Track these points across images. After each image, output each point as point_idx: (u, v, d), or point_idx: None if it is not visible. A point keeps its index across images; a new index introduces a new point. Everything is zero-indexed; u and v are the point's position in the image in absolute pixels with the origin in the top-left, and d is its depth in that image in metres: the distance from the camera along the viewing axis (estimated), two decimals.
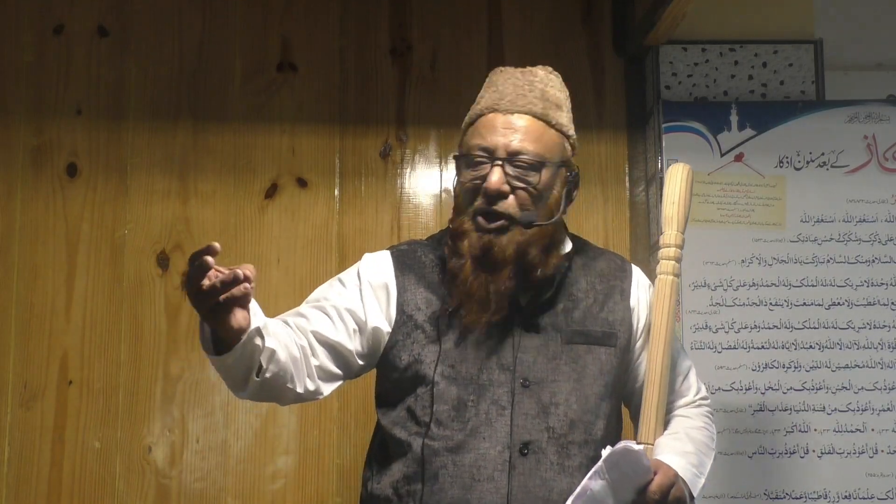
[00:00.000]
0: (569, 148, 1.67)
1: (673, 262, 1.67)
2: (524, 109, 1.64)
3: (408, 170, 2.42)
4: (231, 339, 1.42)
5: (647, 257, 2.33)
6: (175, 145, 2.39)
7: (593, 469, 1.48)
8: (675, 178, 1.72)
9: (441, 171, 2.42)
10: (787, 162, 2.26)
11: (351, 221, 2.38)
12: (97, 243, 2.34)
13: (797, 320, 2.21)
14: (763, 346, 2.20)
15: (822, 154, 2.27)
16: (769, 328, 2.20)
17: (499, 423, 1.56)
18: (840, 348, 2.20)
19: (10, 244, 2.33)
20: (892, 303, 2.22)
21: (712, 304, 2.21)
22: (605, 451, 1.49)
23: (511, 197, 1.59)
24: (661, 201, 2.24)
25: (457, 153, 1.67)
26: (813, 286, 2.22)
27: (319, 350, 1.61)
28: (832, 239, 2.24)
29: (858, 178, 2.26)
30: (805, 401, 2.19)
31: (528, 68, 1.72)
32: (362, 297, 1.65)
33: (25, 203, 2.35)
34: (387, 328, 1.63)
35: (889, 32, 2.42)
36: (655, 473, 1.52)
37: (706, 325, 2.20)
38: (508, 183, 1.58)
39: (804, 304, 2.21)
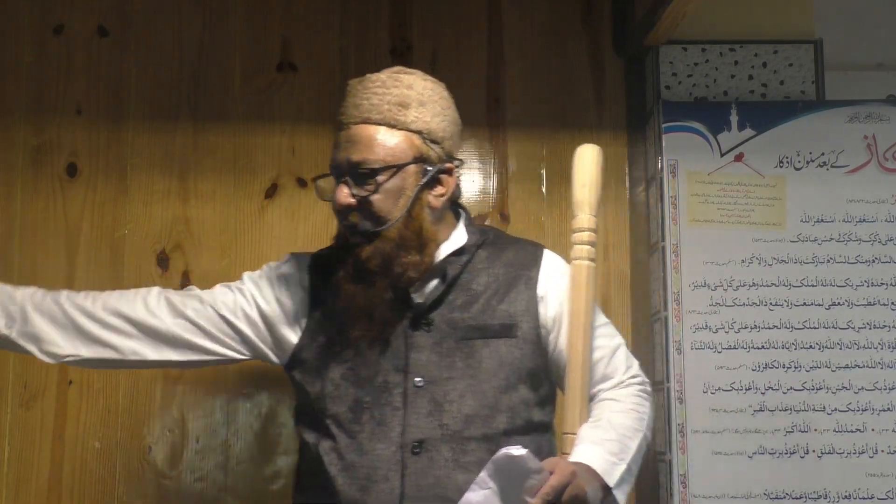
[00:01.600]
0: (425, 144, 1.65)
1: (587, 247, 1.64)
2: (360, 119, 1.66)
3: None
4: None
5: (647, 257, 2.33)
6: (175, 145, 2.39)
7: (476, 480, 1.44)
8: (585, 160, 1.70)
9: None
10: (787, 162, 2.26)
11: None
12: (97, 243, 2.34)
13: (797, 320, 2.21)
14: (763, 346, 2.20)
15: (822, 154, 2.27)
16: (769, 328, 2.20)
17: (392, 424, 1.59)
18: (840, 348, 2.20)
19: (10, 244, 2.33)
20: (892, 303, 2.22)
21: (712, 304, 2.21)
22: (494, 459, 1.43)
23: (357, 210, 1.62)
24: (660, 201, 2.24)
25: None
26: (813, 286, 2.22)
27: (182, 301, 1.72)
28: (832, 239, 2.24)
29: (858, 178, 2.26)
30: (805, 401, 2.19)
31: (371, 75, 1.72)
32: (274, 294, 1.73)
33: (25, 203, 2.35)
34: (297, 330, 1.70)
35: (889, 32, 2.42)
36: (552, 473, 1.45)
37: (706, 325, 2.20)
38: (354, 196, 1.61)
39: (804, 304, 2.21)
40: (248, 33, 2.43)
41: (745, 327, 2.20)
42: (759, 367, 2.19)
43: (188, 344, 1.71)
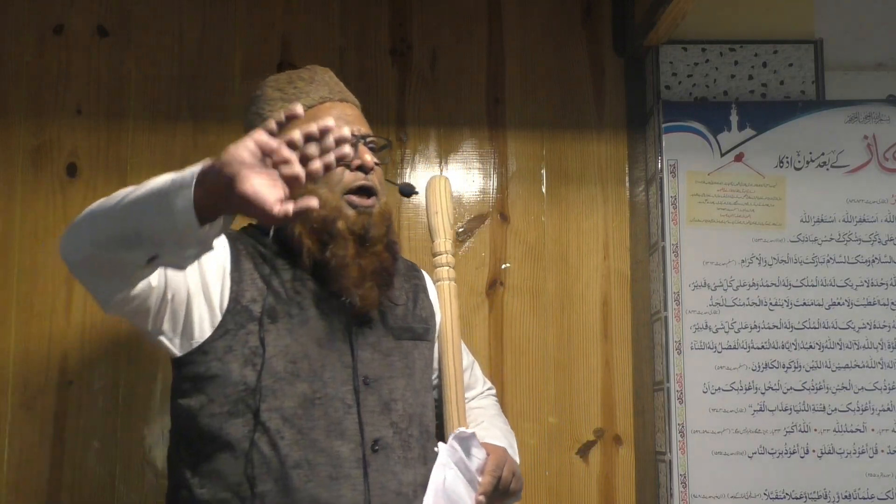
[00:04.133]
0: None
1: (447, 268, 1.77)
2: (339, 98, 1.73)
3: (408, 170, 2.42)
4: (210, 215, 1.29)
5: (647, 257, 2.33)
6: (175, 145, 2.38)
7: (439, 462, 1.57)
8: (436, 191, 1.81)
9: (441, 171, 2.42)
10: (787, 162, 2.26)
11: None
12: None
13: (797, 320, 2.21)
14: (763, 346, 2.20)
15: (822, 154, 2.27)
16: (769, 328, 2.20)
17: (347, 421, 1.56)
18: (840, 348, 2.20)
19: (10, 244, 2.33)
20: (892, 303, 2.22)
21: (712, 304, 2.21)
22: (443, 444, 1.59)
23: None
24: (660, 201, 2.24)
25: None
26: (813, 286, 2.22)
27: None
28: (832, 239, 2.24)
29: (858, 178, 2.26)
30: (805, 401, 2.19)
31: (315, 66, 1.80)
32: (200, 272, 1.58)
33: (25, 203, 2.35)
34: (216, 314, 1.57)
35: (889, 32, 2.41)
36: (488, 455, 1.64)
37: (706, 325, 2.20)
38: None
39: (804, 304, 2.21)
40: (248, 33, 2.43)
41: (745, 327, 2.20)
42: (759, 367, 2.19)
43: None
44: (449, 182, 1.83)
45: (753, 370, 2.19)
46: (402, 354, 1.67)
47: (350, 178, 1.63)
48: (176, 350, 1.59)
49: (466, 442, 1.60)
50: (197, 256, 1.40)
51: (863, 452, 2.17)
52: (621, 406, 2.36)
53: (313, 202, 1.25)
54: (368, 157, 1.64)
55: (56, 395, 2.29)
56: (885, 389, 2.19)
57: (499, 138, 2.44)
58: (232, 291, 1.58)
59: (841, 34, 2.38)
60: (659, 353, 2.25)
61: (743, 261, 2.22)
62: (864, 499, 2.15)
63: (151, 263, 1.39)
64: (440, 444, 1.61)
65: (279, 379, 1.54)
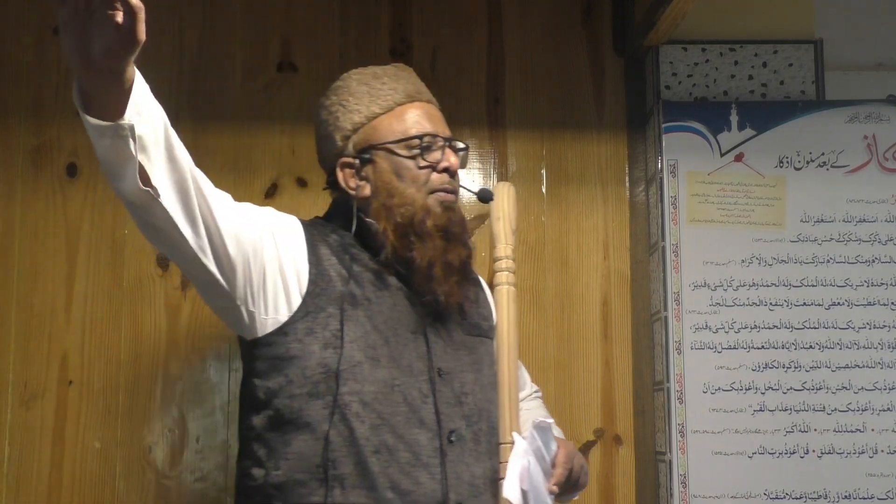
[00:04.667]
0: None
1: (507, 273, 1.76)
2: (426, 98, 1.76)
3: None
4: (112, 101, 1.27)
5: (647, 257, 2.33)
6: None
7: (521, 449, 1.60)
8: (500, 197, 1.82)
9: None
10: (787, 162, 2.26)
11: None
12: (97, 243, 2.34)
13: (797, 320, 2.21)
14: (763, 346, 2.20)
15: (822, 154, 2.27)
16: (769, 328, 2.20)
17: (425, 410, 1.57)
18: (840, 348, 2.20)
19: (10, 244, 2.33)
20: (892, 303, 2.22)
21: (712, 304, 2.21)
22: (525, 433, 1.62)
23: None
24: (660, 201, 2.24)
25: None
26: (813, 286, 2.22)
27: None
28: (832, 239, 2.24)
29: (858, 178, 2.26)
30: (805, 401, 2.19)
31: (399, 65, 1.84)
32: (277, 253, 1.58)
33: (25, 203, 2.35)
34: (294, 296, 1.57)
35: (889, 32, 2.42)
36: (558, 447, 1.67)
37: (706, 325, 2.20)
38: None
39: (804, 304, 2.21)
40: (248, 33, 2.43)
41: (745, 327, 2.20)
42: (759, 367, 2.19)
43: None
44: (513, 189, 1.84)
45: (753, 370, 2.19)
46: (470, 349, 1.68)
47: (437, 179, 1.66)
48: (256, 331, 1.58)
49: (545, 433, 1.64)
50: (127, 150, 1.34)
51: (863, 452, 2.17)
52: (621, 406, 2.36)
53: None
54: (454, 160, 1.67)
55: (56, 395, 2.29)
56: (885, 389, 2.19)
57: (499, 138, 2.44)
58: (311, 274, 1.59)
59: (841, 34, 2.39)
60: (659, 353, 2.25)
61: (743, 261, 2.22)
62: (864, 499, 2.15)
63: (146, 187, 1.40)
64: (515, 434, 1.63)
65: (359, 363, 1.55)
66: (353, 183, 1.69)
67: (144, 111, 1.33)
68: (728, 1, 2.36)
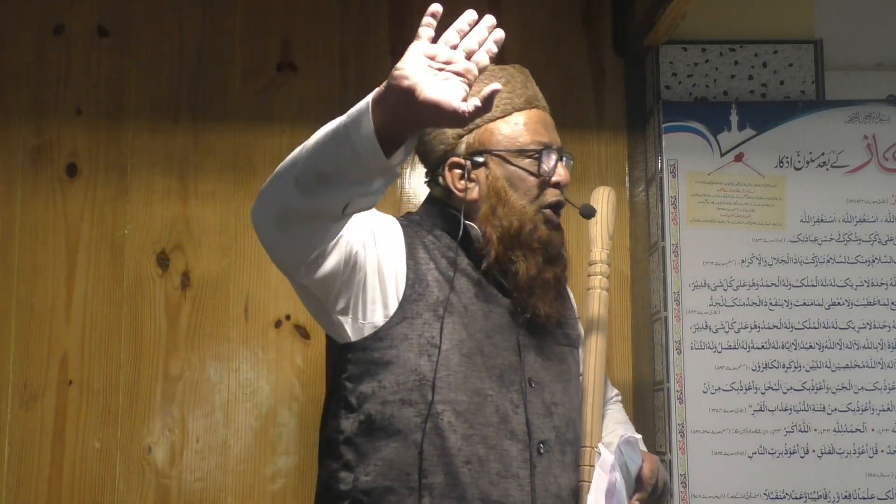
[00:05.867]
0: None
1: (600, 277, 1.75)
2: (543, 106, 1.70)
3: (408, 169, 2.42)
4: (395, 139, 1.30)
5: (647, 257, 2.33)
6: (175, 145, 2.39)
7: (607, 463, 1.60)
8: (599, 201, 1.80)
9: None
10: (787, 162, 2.26)
11: None
12: (97, 243, 2.34)
13: (797, 320, 2.21)
14: (763, 346, 2.20)
15: (822, 154, 2.27)
16: (769, 328, 2.20)
17: (515, 421, 1.56)
18: (840, 348, 2.20)
19: (10, 244, 2.33)
20: (892, 303, 2.22)
21: (712, 304, 2.21)
22: (613, 447, 1.62)
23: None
24: (660, 201, 2.24)
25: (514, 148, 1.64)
26: (813, 286, 2.22)
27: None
28: (832, 239, 2.24)
29: (858, 178, 2.26)
30: (805, 401, 2.19)
31: (518, 66, 1.76)
32: (376, 253, 1.56)
33: (25, 203, 2.35)
34: (391, 300, 1.56)
35: (889, 32, 2.41)
36: (643, 461, 1.67)
37: (706, 325, 2.20)
38: None
39: (804, 304, 2.21)
40: (248, 33, 2.43)
41: (745, 327, 2.20)
42: (759, 367, 2.19)
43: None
44: (613, 193, 1.81)
45: (753, 370, 2.19)
46: (559, 359, 1.66)
47: (549, 194, 1.63)
48: (350, 334, 1.56)
49: (632, 447, 1.64)
50: (383, 190, 1.38)
51: (863, 452, 2.17)
52: None
53: (496, 86, 1.25)
54: (565, 174, 1.65)
55: (56, 395, 2.29)
56: (885, 389, 2.19)
57: None
58: (408, 279, 1.57)
59: (841, 34, 2.38)
60: (659, 353, 2.25)
61: (743, 261, 2.22)
62: (864, 499, 2.15)
63: (346, 212, 1.39)
64: (601, 446, 1.63)
65: (453, 372, 1.54)
66: (460, 184, 1.63)
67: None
68: (728, 1, 2.36)
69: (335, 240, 1.48)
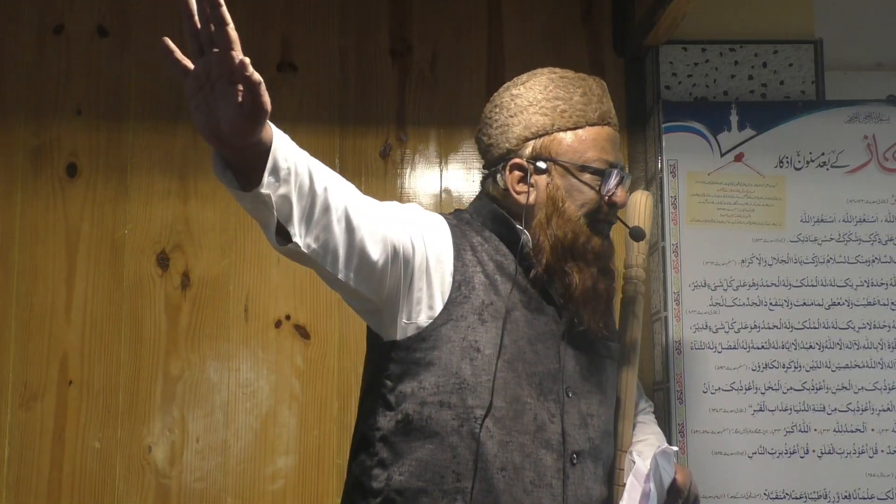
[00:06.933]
0: None
1: (635, 282, 1.77)
2: (611, 122, 1.68)
3: (408, 170, 2.42)
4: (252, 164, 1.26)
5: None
6: (175, 145, 2.39)
7: (641, 473, 1.60)
8: (636, 205, 1.80)
9: (441, 170, 2.42)
10: (787, 162, 2.26)
11: None
12: (97, 243, 2.34)
13: (797, 320, 2.21)
14: (763, 346, 2.20)
15: (822, 154, 2.27)
16: (769, 328, 2.20)
17: (551, 430, 1.55)
18: (840, 348, 2.20)
19: (10, 244, 2.33)
20: (892, 303, 2.22)
21: (712, 304, 2.21)
22: (638, 457, 1.63)
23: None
24: (660, 201, 2.24)
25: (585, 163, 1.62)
26: (813, 286, 2.22)
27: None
28: (832, 239, 2.24)
29: (858, 178, 2.26)
30: (805, 401, 2.19)
31: (593, 77, 1.75)
32: (425, 253, 1.54)
33: (25, 203, 2.35)
34: (436, 301, 1.55)
35: (889, 32, 2.41)
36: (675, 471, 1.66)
37: (706, 325, 2.20)
38: None
39: (804, 304, 2.21)
40: (248, 33, 2.42)
41: (745, 327, 2.20)
42: (759, 367, 2.19)
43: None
44: (651, 198, 1.82)
45: (753, 370, 2.19)
46: (597, 370, 1.65)
47: (605, 212, 1.63)
48: (395, 334, 1.55)
49: (667, 459, 1.64)
50: (263, 209, 1.31)
51: (863, 452, 2.17)
52: None
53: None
54: (623, 194, 1.64)
55: (56, 396, 2.29)
56: (885, 389, 2.19)
57: None
58: (455, 280, 1.55)
59: (841, 34, 2.38)
60: (659, 353, 2.25)
61: (743, 261, 2.22)
62: (864, 499, 2.15)
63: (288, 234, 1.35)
64: (636, 456, 1.63)
65: (497, 377, 1.53)
66: (518, 187, 1.62)
67: (283, 172, 1.29)
68: (728, 1, 2.36)
69: (379, 243, 1.46)
